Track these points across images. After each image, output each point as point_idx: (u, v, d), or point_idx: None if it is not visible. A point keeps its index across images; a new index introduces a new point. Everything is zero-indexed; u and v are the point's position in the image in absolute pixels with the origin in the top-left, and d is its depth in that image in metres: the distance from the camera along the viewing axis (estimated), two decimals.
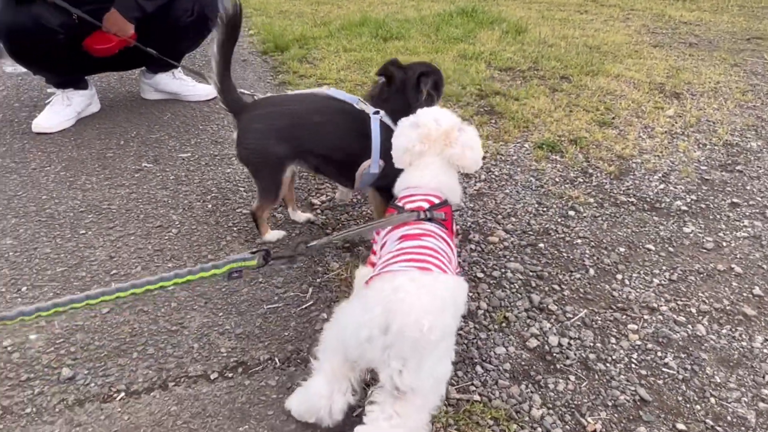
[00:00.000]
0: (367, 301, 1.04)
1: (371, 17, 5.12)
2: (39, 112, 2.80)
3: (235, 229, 1.91)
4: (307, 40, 4.50)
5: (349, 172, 1.71)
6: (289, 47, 4.26)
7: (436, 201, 1.32)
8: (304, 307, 1.54)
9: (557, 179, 2.34)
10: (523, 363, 1.42)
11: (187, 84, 3.16)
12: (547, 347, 1.47)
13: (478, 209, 2.10)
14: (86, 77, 2.85)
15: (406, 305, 0.99)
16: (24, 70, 2.71)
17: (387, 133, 1.60)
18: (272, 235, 1.84)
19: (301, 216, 1.96)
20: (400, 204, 1.35)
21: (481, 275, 1.73)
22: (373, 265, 1.31)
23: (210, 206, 2.04)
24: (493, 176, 2.35)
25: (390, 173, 1.55)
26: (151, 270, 1.68)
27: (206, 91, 3.18)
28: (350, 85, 3.38)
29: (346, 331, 1.05)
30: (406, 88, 1.70)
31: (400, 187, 1.42)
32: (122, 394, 1.26)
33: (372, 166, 1.67)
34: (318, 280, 1.66)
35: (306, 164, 1.73)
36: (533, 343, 1.48)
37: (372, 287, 1.08)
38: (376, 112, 1.67)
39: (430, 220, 1.24)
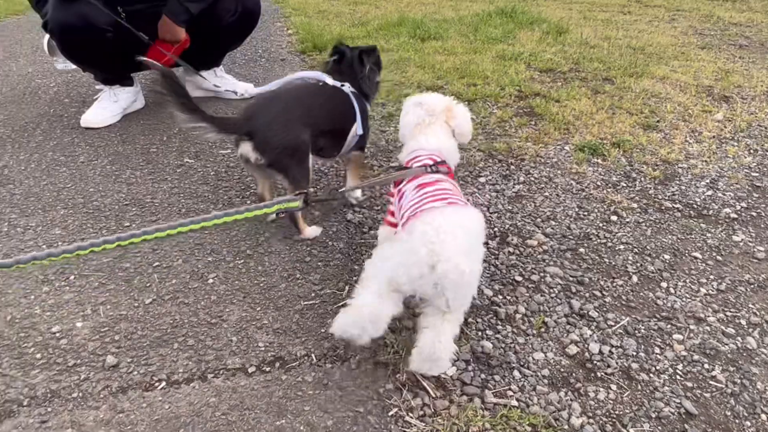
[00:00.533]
0: (414, 243, 1.19)
1: (409, 17, 5.11)
2: (87, 107, 2.89)
3: (273, 225, 1.92)
4: (345, 40, 4.51)
5: (342, 140, 1.92)
6: (327, 47, 4.29)
7: (439, 159, 1.54)
8: (340, 304, 1.55)
9: (599, 183, 2.28)
10: (562, 370, 1.39)
11: (227, 82, 3.22)
12: (587, 354, 1.43)
13: (516, 212, 2.07)
14: (132, 74, 2.94)
15: (448, 249, 1.16)
16: (74, 66, 2.81)
17: (358, 99, 1.94)
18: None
19: (308, 231, 1.89)
20: (408, 166, 1.56)
21: (519, 278, 1.71)
22: (392, 224, 1.53)
23: (249, 202, 2.07)
24: (533, 179, 2.31)
25: (365, 134, 1.97)
26: (191, 263, 1.72)
27: (245, 89, 3.24)
28: (389, 85, 3.37)
29: (399, 269, 1.20)
30: (353, 63, 2.00)
31: (406, 154, 1.64)
32: (163, 383, 1.28)
33: (358, 128, 1.92)
34: (354, 278, 1.66)
35: (313, 146, 1.79)
36: (573, 349, 1.44)
37: (416, 228, 1.22)
38: (343, 85, 1.93)
39: (437, 172, 1.48)
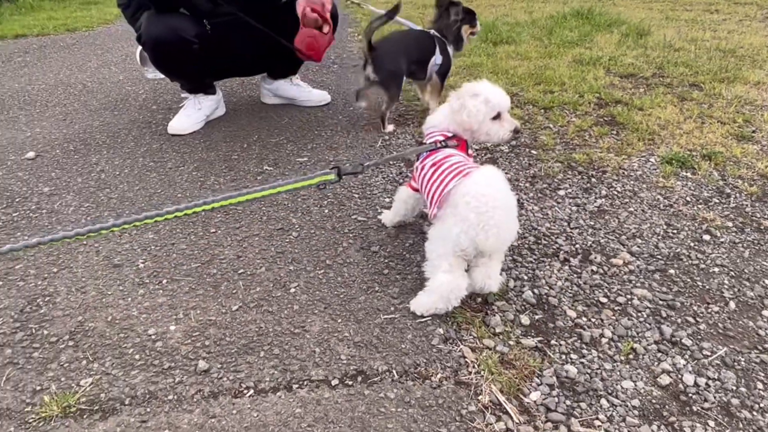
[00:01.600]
0: (463, 213, 1.45)
1: (480, 21, 5.04)
2: (173, 114, 3.05)
3: (350, 235, 1.95)
4: None
5: (425, 67, 2.79)
6: None
7: (449, 135, 1.75)
8: (420, 320, 1.54)
9: (689, 199, 2.15)
10: (654, 401, 1.32)
11: (303, 90, 3.30)
12: (681, 386, 1.36)
13: (599, 228, 1.99)
14: (215, 83, 3.07)
15: (496, 218, 1.41)
16: (162, 76, 2.96)
17: (440, 41, 2.79)
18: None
19: (388, 127, 2.88)
20: (425, 141, 1.80)
21: (604, 300, 1.64)
22: (413, 188, 1.81)
23: (326, 211, 2.11)
24: (615, 192, 2.21)
25: (444, 63, 2.81)
26: (274, 271, 1.77)
27: (320, 96, 3.31)
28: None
29: (460, 236, 1.46)
30: (448, 15, 2.80)
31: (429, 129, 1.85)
32: (251, 391, 1.33)
33: (436, 58, 2.77)
34: None
35: (407, 71, 2.75)
36: (665, 380, 1.37)
37: (458, 202, 1.48)
38: (430, 30, 2.82)
39: (446, 147, 1.71)
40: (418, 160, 1.78)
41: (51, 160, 2.62)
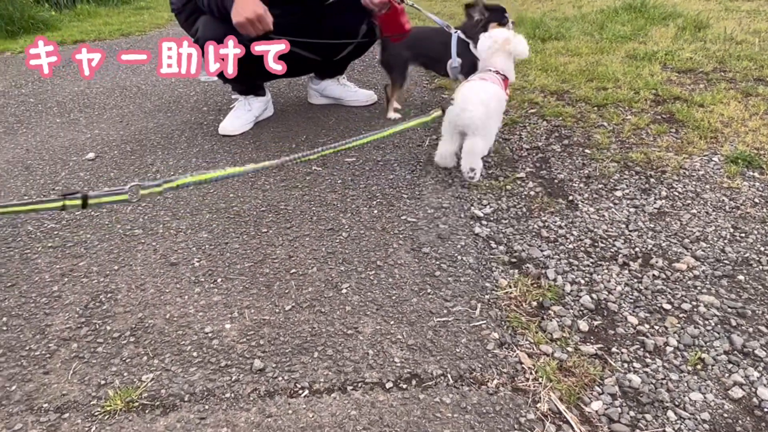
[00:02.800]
0: (456, 100, 2.15)
1: (527, 17, 4.95)
2: (223, 116, 3.11)
3: (401, 236, 1.94)
4: None
5: (441, 64, 2.84)
6: None
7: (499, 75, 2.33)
8: (474, 324, 1.52)
9: (757, 200, 2.04)
10: (725, 415, 1.25)
11: (349, 90, 3.31)
12: (755, 400, 1.28)
13: (660, 230, 1.90)
14: (263, 84, 3.12)
15: (468, 101, 2.13)
16: (215, 78, 3.03)
17: (462, 43, 2.68)
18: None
19: (392, 115, 2.99)
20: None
21: (667, 306, 1.57)
22: None
23: (376, 212, 2.11)
24: (676, 193, 2.12)
25: (466, 64, 2.71)
26: (325, 271, 1.78)
27: (367, 96, 3.31)
28: (509, 90, 3.27)
29: (450, 116, 2.18)
30: (471, 16, 2.79)
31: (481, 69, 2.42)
32: (306, 391, 1.34)
33: (453, 61, 2.74)
34: (486, 296, 1.62)
35: (420, 63, 2.96)
36: (737, 393, 1.30)
37: (457, 94, 2.19)
38: (455, 31, 2.73)
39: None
40: None
41: (109, 161, 2.72)
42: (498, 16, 2.72)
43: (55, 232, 2.09)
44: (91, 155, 2.78)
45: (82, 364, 1.45)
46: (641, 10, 4.79)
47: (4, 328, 1.59)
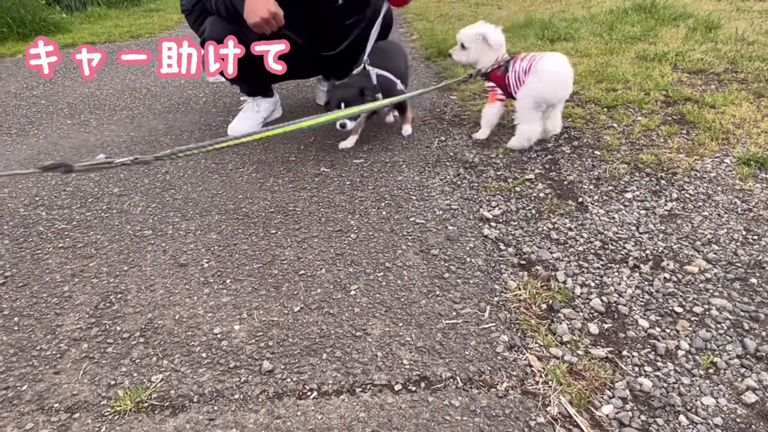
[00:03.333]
0: (546, 77, 2.36)
1: (536, 18, 4.93)
2: (231, 117, 3.13)
3: (409, 238, 1.94)
4: None
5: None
6: (450, 52, 4.25)
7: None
8: (483, 326, 1.51)
9: None
10: (738, 420, 1.23)
11: None
12: None
13: (671, 233, 1.89)
14: (272, 85, 3.12)
15: (561, 75, 2.38)
16: (223, 79, 3.04)
17: None
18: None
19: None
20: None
21: (679, 309, 1.55)
22: (500, 99, 2.59)
23: (384, 213, 2.10)
24: (687, 195, 2.10)
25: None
26: (334, 273, 1.77)
27: None
28: None
29: (543, 91, 2.38)
30: None
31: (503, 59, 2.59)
32: (315, 393, 1.33)
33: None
34: (495, 298, 1.62)
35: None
36: (751, 397, 1.28)
37: (540, 70, 2.38)
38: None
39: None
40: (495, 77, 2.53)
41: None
42: None
43: (66, 233, 2.10)
44: (101, 156, 2.79)
45: (93, 364, 1.46)
46: (651, 11, 4.76)
47: (16, 327, 1.61)
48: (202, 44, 2.78)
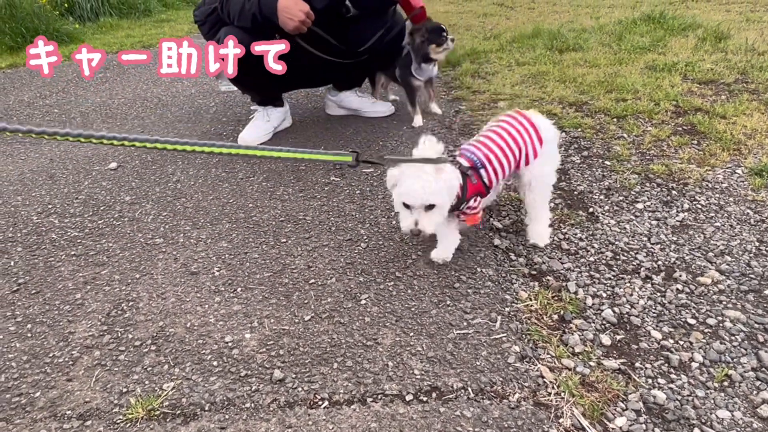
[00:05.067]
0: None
1: (544, 28, 4.94)
2: (242, 126, 3.15)
3: (419, 247, 1.94)
4: (478, 54, 4.49)
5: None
6: (460, 62, 4.28)
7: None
8: (494, 337, 1.50)
9: None
10: None
11: (367, 101, 3.33)
12: None
13: (683, 243, 1.88)
14: (282, 95, 3.15)
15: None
16: (235, 89, 3.07)
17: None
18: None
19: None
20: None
21: (692, 321, 1.54)
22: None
23: (394, 222, 2.11)
24: (699, 206, 2.09)
25: (402, 74, 3.07)
26: (344, 282, 1.78)
27: (385, 107, 3.32)
28: (527, 101, 3.27)
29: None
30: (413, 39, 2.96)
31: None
32: (326, 402, 1.33)
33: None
34: (506, 308, 1.61)
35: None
36: (766, 411, 1.26)
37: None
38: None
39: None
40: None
41: (131, 171, 2.76)
42: (436, 37, 2.87)
43: (79, 241, 2.12)
44: (113, 165, 2.83)
45: (105, 371, 1.46)
46: (660, 21, 4.76)
47: (29, 335, 1.62)
48: None
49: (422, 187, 1.54)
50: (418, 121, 3.08)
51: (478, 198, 1.74)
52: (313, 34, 2.69)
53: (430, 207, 1.57)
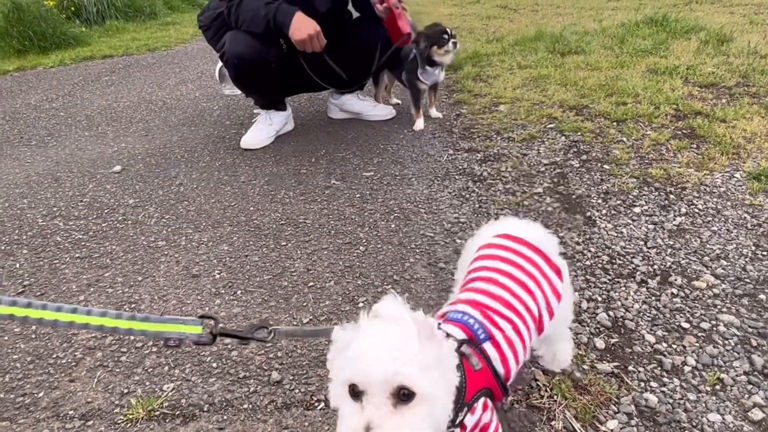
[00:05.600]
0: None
1: (546, 31, 4.95)
2: (245, 129, 3.18)
3: (417, 251, 1.96)
4: (480, 57, 4.50)
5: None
6: (461, 65, 4.30)
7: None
8: None
9: None
10: None
11: (369, 104, 3.36)
12: None
13: (679, 248, 1.89)
14: (285, 99, 3.18)
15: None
16: (238, 92, 3.10)
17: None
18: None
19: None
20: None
21: (686, 325, 1.55)
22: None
23: (393, 226, 2.13)
24: (696, 210, 2.10)
25: (408, 77, 3.14)
26: (342, 285, 1.80)
27: (386, 111, 3.35)
28: (527, 104, 3.29)
29: None
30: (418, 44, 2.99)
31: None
32: (322, 404, 1.35)
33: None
34: None
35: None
36: (757, 414, 1.28)
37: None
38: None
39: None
40: None
41: (135, 174, 2.80)
42: (437, 39, 2.90)
43: (83, 243, 2.15)
44: (117, 168, 2.87)
45: (106, 372, 1.49)
46: (663, 24, 4.76)
47: (33, 336, 1.65)
48: (221, 57, 2.85)
49: (391, 351, 0.78)
50: (419, 124, 3.11)
51: (487, 401, 0.98)
52: (317, 56, 2.76)
53: (404, 396, 0.77)
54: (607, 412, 1.30)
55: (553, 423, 1.27)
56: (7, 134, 3.61)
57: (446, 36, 2.90)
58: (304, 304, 1.72)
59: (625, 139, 2.73)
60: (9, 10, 6.21)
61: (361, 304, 1.70)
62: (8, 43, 6.23)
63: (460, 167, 2.60)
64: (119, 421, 1.34)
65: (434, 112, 3.28)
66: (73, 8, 7.58)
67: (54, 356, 1.56)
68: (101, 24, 7.74)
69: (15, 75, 5.43)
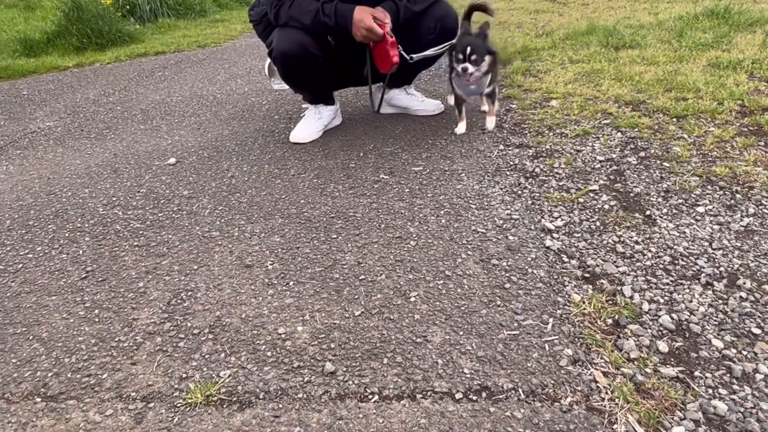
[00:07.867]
0: None
1: (599, 25, 4.81)
2: (293, 124, 3.22)
3: (469, 247, 1.93)
4: (529, 51, 4.41)
5: None
6: (511, 60, 4.22)
7: None
8: (545, 339, 1.48)
9: None
10: None
11: (417, 99, 3.34)
12: None
13: (747, 250, 1.79)
14: (334, 93, 3.20)
15: None
16: (287, 87, 3.13)
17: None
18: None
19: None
20: None
21: (757, 331, 1.47)
22: None
23: (443, 221, 2.11)
24: (766, 210, 1.99)
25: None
26: (393, 279, 1.79)
27: (434, 105, 3.32)
28: (580, 100, 3.20)
29: None
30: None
31: None
32: (376, 396, 1.35)
33: None
34: (558, 311, 1.59)
35: None
36: None
37: None
38: None
39: None
40: None
41: (189, 166, 2.87)
42: (453, 56, 2.72)
43: (141, 232, 2.23)
44: (172, 160, 2.95)
45: (166, 357, 1.54)
46: (724, 16, 4.54)
47: (96, 319, 1.72)
48: (270, 54, 2.89)
49: None
50: (460, 128, 2.95)
51: None
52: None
53: None
54: (672, 418, 1.25)
55: (615, 427, 1.23)
56: (69, 127, 3.77)
57: (462, 56, 2.61)
58: (356, 296, 1.72)
59: (686, 135, 2.62)
60: (69, 9, 6.49)
61: (412, 299, 1.69)
62: (68, 41, 6.52)
63: (511, 163, 2.55)
64: (179, 405, 1.37)
65: (488, 123, 2.99)
66: (128, 6, 7.86)
67: (116, 339, 1.62)
68: (154, 21, 7.99)
69: (74, 71, 5.67)
